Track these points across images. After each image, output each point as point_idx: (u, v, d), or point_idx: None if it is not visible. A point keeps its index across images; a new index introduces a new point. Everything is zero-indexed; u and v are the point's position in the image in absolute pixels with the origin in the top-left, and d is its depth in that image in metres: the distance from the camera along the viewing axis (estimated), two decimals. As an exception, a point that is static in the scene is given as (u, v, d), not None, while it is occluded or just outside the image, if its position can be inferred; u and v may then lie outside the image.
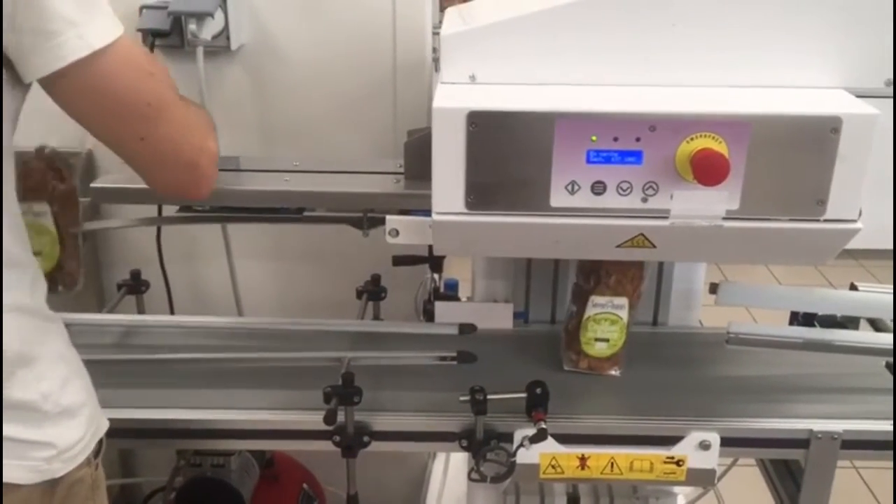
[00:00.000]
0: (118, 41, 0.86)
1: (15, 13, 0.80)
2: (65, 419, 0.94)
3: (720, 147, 0.95)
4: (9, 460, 0.89)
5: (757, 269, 3.46)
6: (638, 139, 0.96)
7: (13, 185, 0.91)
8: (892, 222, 1.09)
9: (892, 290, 1.34)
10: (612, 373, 1.33)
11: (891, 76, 1.02)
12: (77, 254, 1.28)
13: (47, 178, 1.21)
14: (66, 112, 0.89)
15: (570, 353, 1.34)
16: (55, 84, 0.85)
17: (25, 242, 0.93)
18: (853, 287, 1.39)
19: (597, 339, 1.31)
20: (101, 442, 1.01)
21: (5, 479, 0.88)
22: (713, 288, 1.32)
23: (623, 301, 1.29)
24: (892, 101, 1.02)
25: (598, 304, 1.29)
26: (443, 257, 1.52)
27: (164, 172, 0.97)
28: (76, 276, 1.29)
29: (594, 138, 0.96)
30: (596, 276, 1.28)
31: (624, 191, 0.98)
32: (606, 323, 1.30)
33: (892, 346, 1.30)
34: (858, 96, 1.00)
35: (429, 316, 1.46)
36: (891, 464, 1.23)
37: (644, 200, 0.98)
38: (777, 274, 3.52)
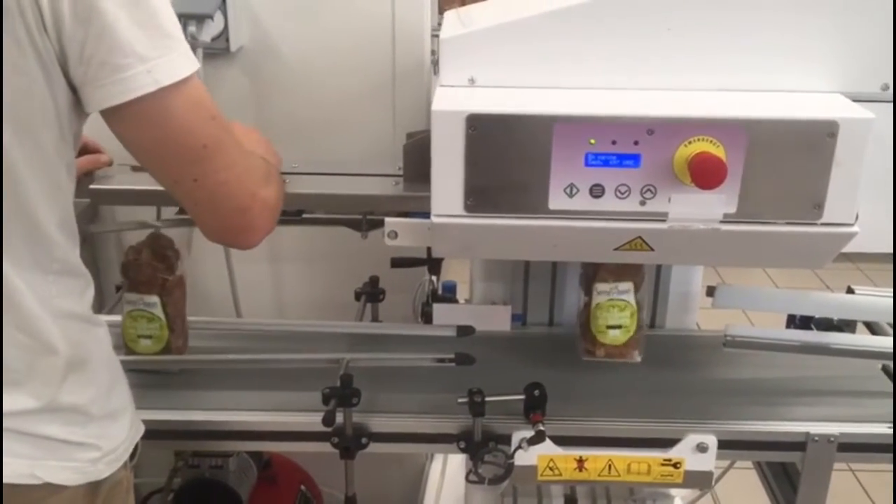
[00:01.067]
0: (188, 80, 0.85)
1: (85, 44, 0.79)
2: (109, 422, 0.96)
3: (718, 151, 0.95)
4: (54, 461, 0.90)
5: (754, 273, 3.46)
6: (636, 142, 0.96)
7: (72, 198, 0.92)
8: (888, 226, 1.10)
9: (889, 294, 1.35)
10: (634, 359, 1.32)
11: (887, 80, 1.03)
12: (184, 332, 1.34)
13: (157, 272, 1.27)
14: (122, 143, 0.89)
15: (585, 344, 1.34)
16: (116, 115, 0.84)
17: (77, 249, 0.94)
18: (850, 290, 1.40)
19: (609, 327, 1.30)
20: (136, 445, 1.02)
21: (50, 479, 0.89)
22: (710, 291, 1.33)
23: (628, 286, 1.28)
24: (887, 105, 1.03)
25: (604, 292, 1.29)
26: (441, 259, 1.52)
27: (214, 215, 0.96)
28: (183, 352, 1.34)
29: (592, 141, 0.97)
30: None
31: (622, 194, 0.99)
32: (615, 310, 1.28)
33: (888, 350, 1.31)
34: (855, 101, 1.01)
35: (427, 318, 1.46)
36: (887, 467, 1.24)
37: (642, 203, 0.99)
38: (774, 277, 3.53)
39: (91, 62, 0.80)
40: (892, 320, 1.38)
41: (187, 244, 1.38)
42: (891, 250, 1.13)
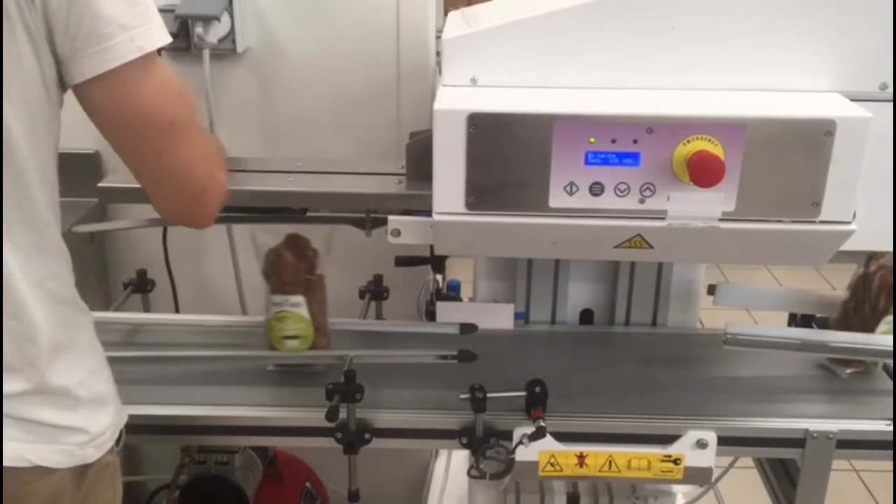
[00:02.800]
0: (158, 56, 0.88)
1: (69, 18, 0.82)
2: (96, 406, 0.98)
3: (716, 149, 0.96)
4: (44, 445, 0.92)
5: (757, 271, 3.47)
6: (635, 141, 0.97)
7: (56, 181, 0.93)
8: (888, 224, 1.10)
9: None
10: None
11: (885, 80, 1.04)
12: (326, 331, 1.36)
13: (299, 271, 1.29)
14: (92, 119, 0.91)
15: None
16: (95, 86, 0.86)
17: (60, 231, 0.95)
18: (851, 289, 1.40)
19: None
20: (121, 432, 1.04)
21: (40, 462, 0.91)
22: (711, 289, 1.34)
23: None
24: (885, 104, 1.04)
25: None
26: (444, 258, 1.53)
27: (173, 195, 0.98)
28: (327, 349, 1.36)
29: (592, 140, 0.98)
30: None
31: (621, 192, 1.00)
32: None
33: (888, 348, 1.31)
34: (853, 100, 1.02)
35: (430, 316, 1.47)
36: (887, 465, 1.24)
37: (641, 202, 1.00)
38: (778, 275, 3.53)
39: (77, 35, 0.83)
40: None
41: (325, 243, 1.39)
42: (891, 248, 1.14)
